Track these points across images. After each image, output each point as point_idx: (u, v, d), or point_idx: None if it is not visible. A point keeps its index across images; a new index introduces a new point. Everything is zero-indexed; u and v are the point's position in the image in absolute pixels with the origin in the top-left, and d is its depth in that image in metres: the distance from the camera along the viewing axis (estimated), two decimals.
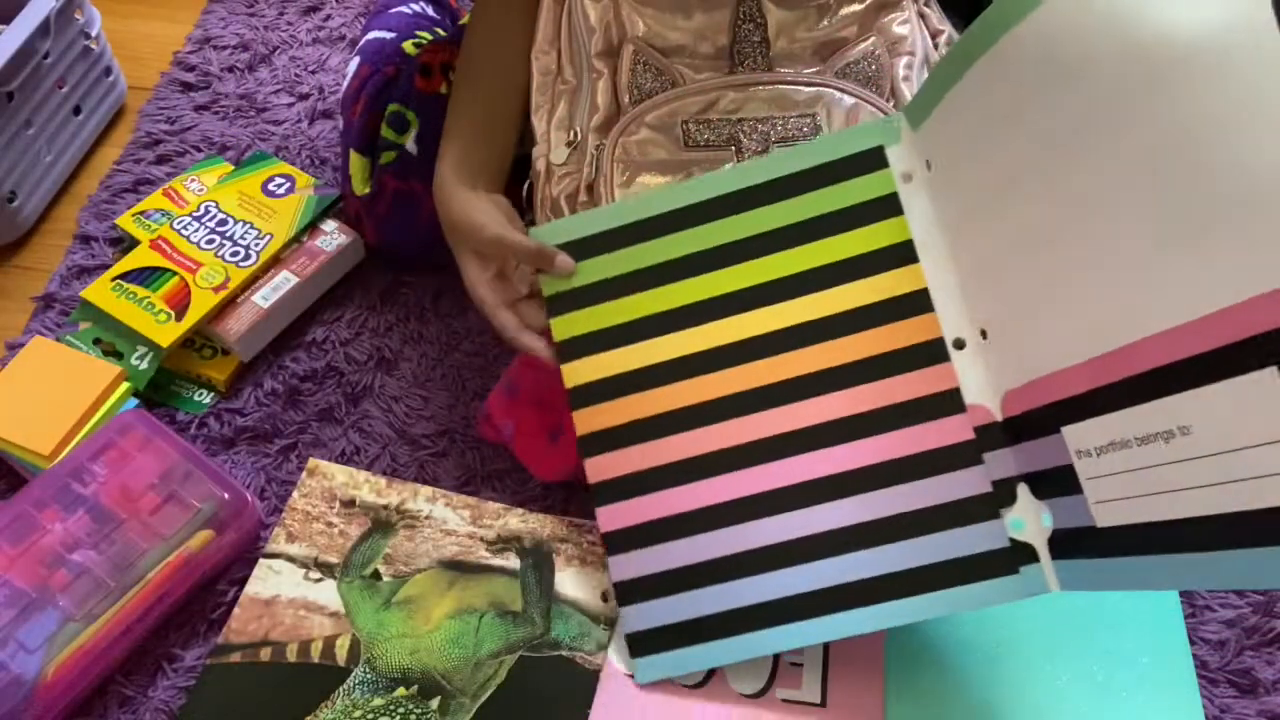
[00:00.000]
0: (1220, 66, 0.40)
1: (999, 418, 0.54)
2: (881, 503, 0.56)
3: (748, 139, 0.67)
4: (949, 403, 0.55)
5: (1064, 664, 0.65)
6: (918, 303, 0.57)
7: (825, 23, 0.68)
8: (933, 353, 0.56)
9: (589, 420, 0.61)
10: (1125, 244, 0.44)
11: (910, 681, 0.65)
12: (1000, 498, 0.54)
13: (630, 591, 0.60)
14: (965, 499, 0.55)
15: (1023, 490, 0.53)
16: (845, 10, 0.68)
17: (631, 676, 0.63)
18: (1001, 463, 0.54)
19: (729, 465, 0.58)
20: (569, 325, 0.62)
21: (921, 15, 0.72)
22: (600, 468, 0.61)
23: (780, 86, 0.67)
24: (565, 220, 0.63)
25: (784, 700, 0.63)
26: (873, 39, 0.69)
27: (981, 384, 0.55)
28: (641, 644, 0.59)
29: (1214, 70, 0.40)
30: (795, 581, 0.57)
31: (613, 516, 0.60)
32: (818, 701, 0.63)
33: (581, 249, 0.62)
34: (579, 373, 0.61)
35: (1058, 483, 0.50)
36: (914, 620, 0.55)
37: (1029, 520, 0.52)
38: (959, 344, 0.56)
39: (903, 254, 0.57)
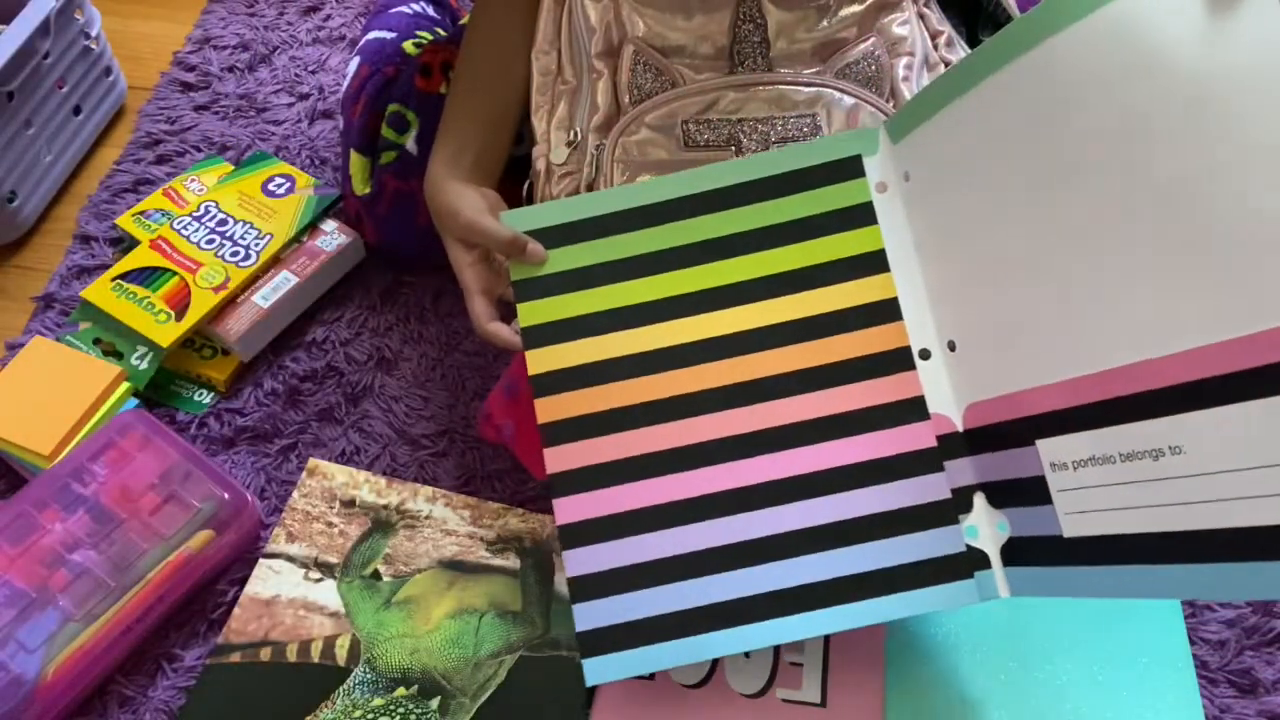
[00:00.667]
0: (1234, 106, 0.40)
1: (960, 428, 0.55)
2: (842, 506, 0.56)
3: (748, 139, 0.67)
4: (913, 410, 0.56)
5: (1064, 664, 0.65)
6: (886, 311, 0.57)
7: (825, 23, 0.68)
8: (899, 360, 0.57)
9: (552, 409, 0.60)
10: (1123, 274, 0.45)
11: (910, 681, 0.65)
12: (958, 504, 0.55)
13: (585, 588, 0.58)
14: (925, 504, 0.55)
15: (979, 499, 0.54)
16: (845, 11, 0.68)
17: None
18: (960, 471, 0.55)
19: (691, 462, 0.58)
20: (536, 312, 0.61)
21: (921, 16, 0.72)
22: (560, 458, 0.59)
23: (780, 87, 0.67)
24: (540, 207, 0.62)
25: (784, 700, 0.63)
26: (873, 39, 0.69)
27: (945, 395, 0.56)
28: (593, 643, 0.57)
29: (1227, 109, 0.40)
30: (753, 582, 0.56)
31: (571, 509, 0.58)
32: (818, 701, 0.63)
33: (555, 237, 0.61)
34: (544, 360, 0.60)
35: (1021, 493, 0.52)
36: (871, 623, 0.55)
37: (983, 527, 0.54)
38: (924, 354, 0.56)
39: (874, 262, 0.58)
